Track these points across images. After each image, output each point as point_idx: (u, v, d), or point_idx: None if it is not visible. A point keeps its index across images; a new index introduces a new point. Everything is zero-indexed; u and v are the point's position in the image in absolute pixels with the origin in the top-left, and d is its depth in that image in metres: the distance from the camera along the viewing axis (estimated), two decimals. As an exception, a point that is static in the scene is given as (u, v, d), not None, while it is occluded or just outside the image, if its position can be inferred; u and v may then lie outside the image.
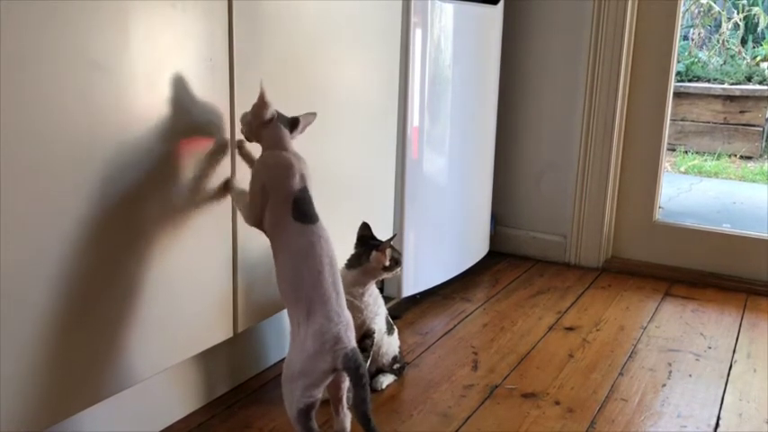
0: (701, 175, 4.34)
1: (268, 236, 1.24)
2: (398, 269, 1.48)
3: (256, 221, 1.25)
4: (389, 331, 1.57)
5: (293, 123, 1.27)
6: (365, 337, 1.46)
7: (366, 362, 1.48)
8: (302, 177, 1.23)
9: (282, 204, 1.21)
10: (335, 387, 1.21)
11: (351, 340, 1.15)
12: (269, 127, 1.24)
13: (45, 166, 1.00)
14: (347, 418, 1.24)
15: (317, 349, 1.14)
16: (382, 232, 1.81)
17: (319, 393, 1.16)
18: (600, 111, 2.31)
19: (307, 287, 1.17)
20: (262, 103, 1.21)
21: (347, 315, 1.18)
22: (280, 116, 1.25)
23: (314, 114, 1.32)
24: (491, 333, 1.87)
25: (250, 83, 1.31)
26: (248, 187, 1.25)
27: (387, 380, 1.56)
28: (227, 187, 1.30)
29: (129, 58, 1.09)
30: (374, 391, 1.53)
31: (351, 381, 1.13)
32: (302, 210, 1.21)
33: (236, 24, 1.26)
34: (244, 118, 1.26)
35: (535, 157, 2.46)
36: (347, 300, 1.23)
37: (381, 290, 1.62)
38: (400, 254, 1.50)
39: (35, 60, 0.96)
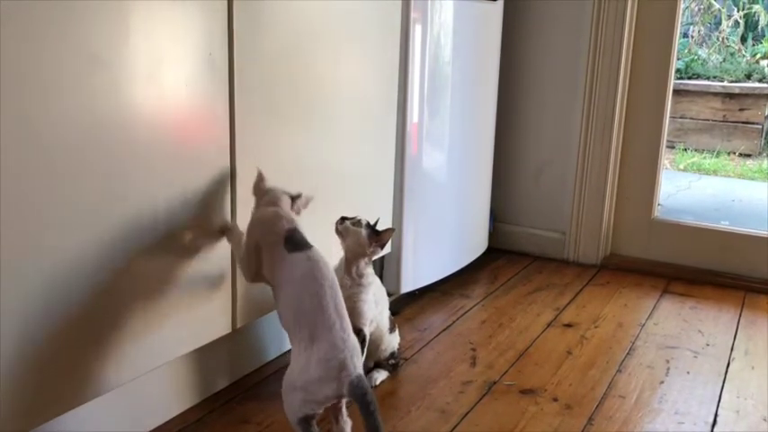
0: (699, 172, 4.34)
1: (269, 282, 1.27)
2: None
3: (252, 277, 1.29)
4: (391, 329, 1.57)
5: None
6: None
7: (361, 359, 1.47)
8: (289, 221, 1.27)
9: (275, 245, 1.24)
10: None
11: (357, 367, 1.14)
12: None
13: (44, 161, 0.99)
14: (347, 425, 1.24)
15: (321, 375, 1.13)
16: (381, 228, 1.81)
17: (320, 409, 1.16)
18: (599, 108, 2.31)
19: (309, 312, 1.17)
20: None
21: (353, 340, 1.17)
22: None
23: (312, 197, 1.36)
24: (489, 329, 1.87)
25: (249, 78, 1.32)
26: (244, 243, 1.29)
27: (380, 376, 1.56)
28: (225, 232, 1.32)
29: (128, 52, 1.09)
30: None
31: (359, 409, 1.11)
32: (294, 241, 1.24)
33: (236, 19, 1.26)
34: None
35: (534, 153, 2.46)
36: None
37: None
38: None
39: (35, 54, 0.96)
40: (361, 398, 1.11)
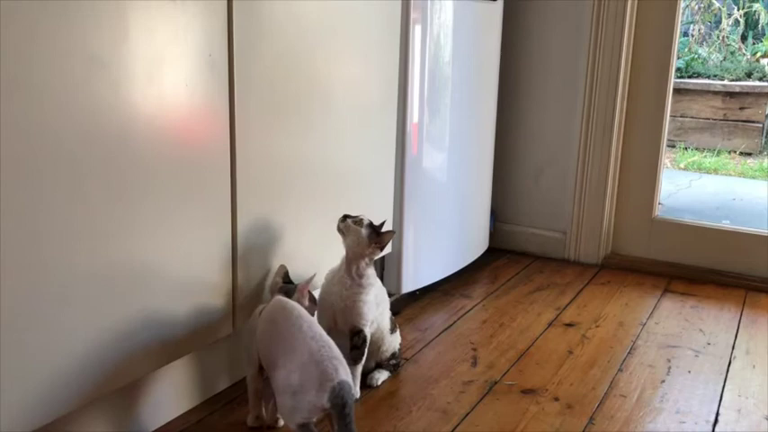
0: (700, 171, 4.34)
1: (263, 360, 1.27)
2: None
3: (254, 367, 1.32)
4: (392, 330, 1.57)
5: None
6: (353, 334, 1.46)
7: (361, 359, 1.47)
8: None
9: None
10: None
11: (340, 374, 1.10)
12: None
13: (43, 159, 0.99)
14: None
15: (302, 381, 1.12)
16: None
17: (313, 417, 1.14)
18: (600, 107, 2.31)
19: (282, 335, 1.20)
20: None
21: (335, 350, 1.16)
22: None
23: (314, 275, 1.40)
24: (490, 329, 1.87)
25: (249, 78, 1.31)
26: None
27: (382, 376, 1.56)
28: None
29: (128, 52, 1.09)
30: (370, 387, 1.53)
31: (335, 417, 1.07)
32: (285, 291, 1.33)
33: (236, 19, 1.26)
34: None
35: (535, 153, 2.46)
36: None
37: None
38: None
39: (34, 54, 0.96)
40: (339, 408, 1.06)
